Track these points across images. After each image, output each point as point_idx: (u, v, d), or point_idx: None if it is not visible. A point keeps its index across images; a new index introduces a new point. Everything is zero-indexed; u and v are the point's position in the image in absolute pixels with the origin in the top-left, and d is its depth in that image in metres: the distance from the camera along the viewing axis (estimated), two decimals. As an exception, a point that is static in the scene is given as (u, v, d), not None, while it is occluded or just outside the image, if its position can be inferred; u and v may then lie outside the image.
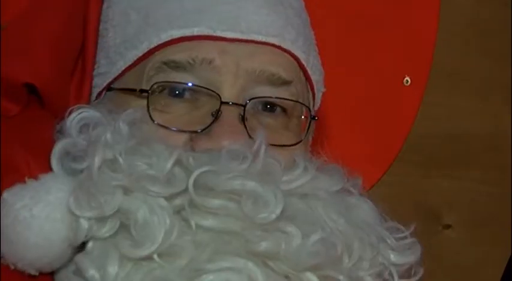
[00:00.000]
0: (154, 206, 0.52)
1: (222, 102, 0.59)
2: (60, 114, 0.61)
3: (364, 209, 0.60)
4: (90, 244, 0.53)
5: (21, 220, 0.52)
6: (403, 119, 0.92)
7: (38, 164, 0.58)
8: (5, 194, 0.53)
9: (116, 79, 0.64)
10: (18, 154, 0.59)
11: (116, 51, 0.65)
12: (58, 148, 0.56)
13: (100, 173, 0.53)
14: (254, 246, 0.51)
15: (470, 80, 0.95)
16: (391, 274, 0.57)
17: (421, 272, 0.60)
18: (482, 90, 0.95)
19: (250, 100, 0.61)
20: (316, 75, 0.69)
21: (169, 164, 0.53)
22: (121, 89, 0.63)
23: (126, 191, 0.53)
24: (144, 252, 0.51)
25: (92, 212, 0.52)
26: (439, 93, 0.91)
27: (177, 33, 0.61)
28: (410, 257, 0.58)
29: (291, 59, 0.64)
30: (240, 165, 0.54)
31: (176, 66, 0.60)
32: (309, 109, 0.67)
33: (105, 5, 0.68)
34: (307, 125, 0.66)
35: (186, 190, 0.52)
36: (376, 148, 0.88)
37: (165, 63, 0.60)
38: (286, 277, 0.52)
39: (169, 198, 0.53)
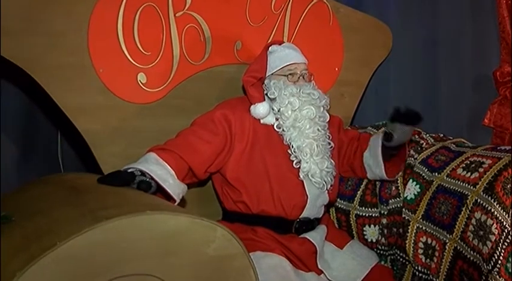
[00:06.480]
0: (298, 97, 1.92)
1: (299, 75, 1.97)
2: None
3: None
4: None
5: None
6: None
7: None
8: None
9: (271, 74, 1.97)
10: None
11: (273, 66, 1.98)
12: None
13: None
14: (317, 103, 1.94)
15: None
16: None
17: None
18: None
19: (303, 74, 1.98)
20: None
21: (298, 90, 1.93)
22: (277, 75, 1.96)
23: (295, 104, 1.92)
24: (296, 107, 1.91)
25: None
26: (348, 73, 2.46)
27: (288, 62, 1.98)
28: None
29: (306, 66, 2.01)
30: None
31: (291, 71, 1.97)
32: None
33: (267, 57, 2.01)
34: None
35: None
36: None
37: (289, 69, 1.97)
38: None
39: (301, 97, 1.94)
